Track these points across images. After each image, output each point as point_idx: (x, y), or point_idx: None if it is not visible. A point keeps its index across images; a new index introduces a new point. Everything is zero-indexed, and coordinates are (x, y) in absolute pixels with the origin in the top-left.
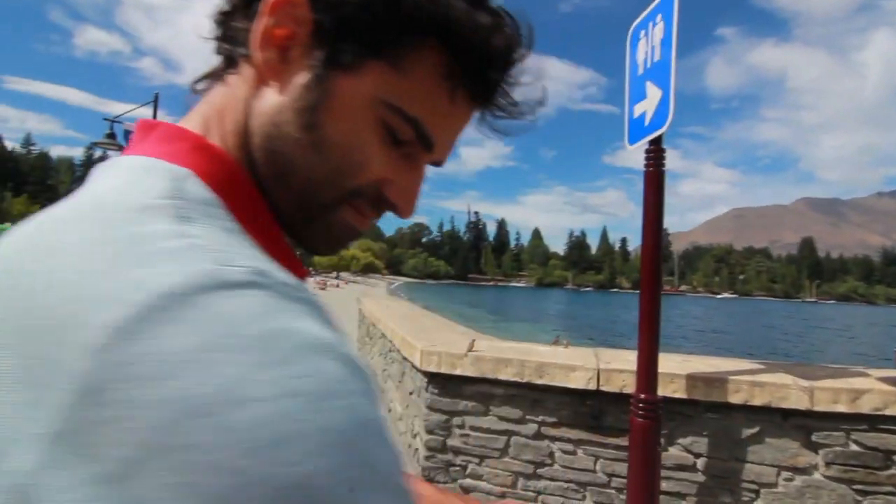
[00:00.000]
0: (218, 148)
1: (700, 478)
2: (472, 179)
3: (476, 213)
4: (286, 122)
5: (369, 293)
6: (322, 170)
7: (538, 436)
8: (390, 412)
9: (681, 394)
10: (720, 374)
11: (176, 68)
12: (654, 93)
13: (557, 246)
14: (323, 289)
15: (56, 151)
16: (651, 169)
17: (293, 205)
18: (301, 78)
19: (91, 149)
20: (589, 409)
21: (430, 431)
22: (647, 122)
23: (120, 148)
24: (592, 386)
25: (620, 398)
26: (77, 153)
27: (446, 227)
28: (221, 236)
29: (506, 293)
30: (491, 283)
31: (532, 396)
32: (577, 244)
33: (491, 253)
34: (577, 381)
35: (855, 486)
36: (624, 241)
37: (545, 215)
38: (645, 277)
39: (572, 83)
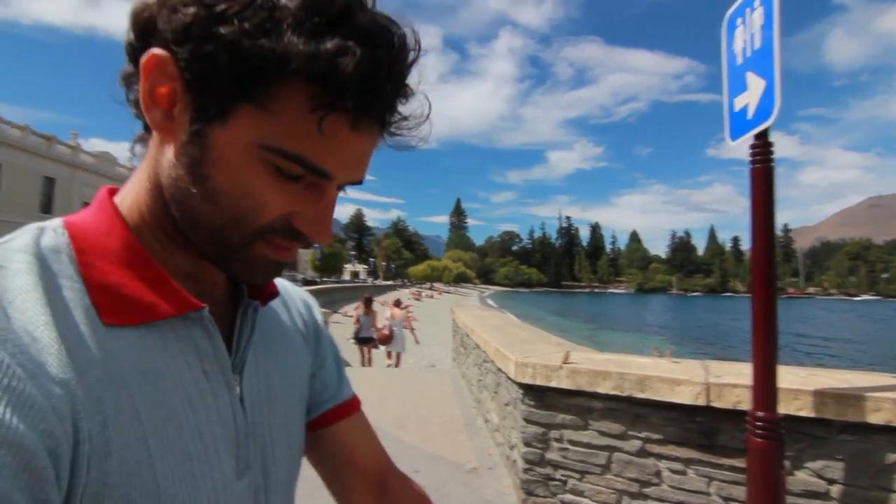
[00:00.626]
0: (109, 205)
1: None
2: (561, 184)
3: (567, 217)
4: (180, 178)
5: (462, 303)
6: (220, 218)
7: (642, 453)
8: (487, 422)
9: (807, 412)
10: (855, 391)
11: None
12: (756, 84)
13: (658, 248)
14: (418, 299)
15: None
16: (758, 165)
17: (209, 245)
18: (184, 134)
19: None
20: (699, 427)
21: (527, 444)
22: (750, 116)
23: None
24: (702, 401)
25: (735, 415)
26: None
27: (537, 234)
28: None
29: (603, 300)
30: (587, 290)
31: (633, 411)
32: (682, 245)
33: (585, 258)
34: (684, 396)
35: None
36: (735, 239)
37: (643, 216)
38: (756, 281)
39: (666, 74)
